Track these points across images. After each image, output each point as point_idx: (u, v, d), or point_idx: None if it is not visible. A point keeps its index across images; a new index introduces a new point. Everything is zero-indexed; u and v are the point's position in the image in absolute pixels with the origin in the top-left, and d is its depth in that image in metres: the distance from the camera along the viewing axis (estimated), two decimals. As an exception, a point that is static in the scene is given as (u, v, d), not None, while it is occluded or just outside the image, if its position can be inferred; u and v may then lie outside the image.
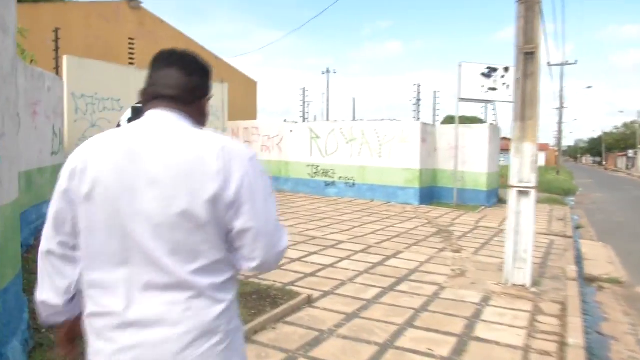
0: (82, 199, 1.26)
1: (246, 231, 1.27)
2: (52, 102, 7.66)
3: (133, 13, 14.98)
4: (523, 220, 5.78)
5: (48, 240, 1.36)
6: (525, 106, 5.79)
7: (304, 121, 17.90)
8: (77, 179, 1.27)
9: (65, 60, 10.41)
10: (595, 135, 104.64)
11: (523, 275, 5.76)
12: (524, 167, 5.76)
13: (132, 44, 15.02)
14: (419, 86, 15.68)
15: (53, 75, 8.06)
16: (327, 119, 27.62)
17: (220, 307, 1.26)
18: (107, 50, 13.70)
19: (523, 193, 5.76)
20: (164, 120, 1.32)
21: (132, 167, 1.24)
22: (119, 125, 13.73)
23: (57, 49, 10.77)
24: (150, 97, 1.37)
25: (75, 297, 1.39)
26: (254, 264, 1.32)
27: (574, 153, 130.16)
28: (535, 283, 5.84)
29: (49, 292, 1.38)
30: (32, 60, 6.87)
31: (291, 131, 16.03)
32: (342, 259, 6.84)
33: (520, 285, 5.74)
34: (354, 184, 14.84)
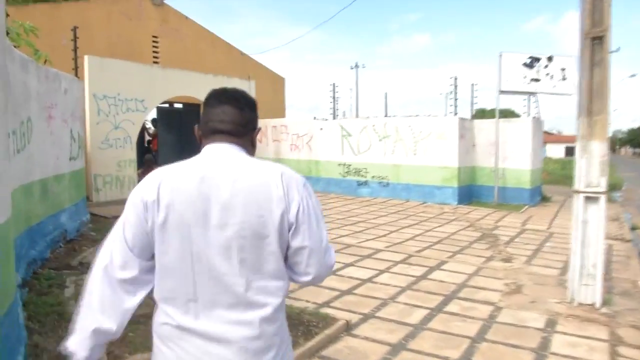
0: (157, 227, 1.36)
1: (302, 249, 1.41)
2: (69, 104, 7.24)
3: (156, 10, 14.55)
4: (591, 231, 5.02)
5: (112, 262, 1.40)
6: (593, 99, 5.01)
7: (334, 118, 17.23)
8: (152, 210, 1.36)
9: (86, 60, 10.06)
10: (636, 125, 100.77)
11: (592, 293, 5.02)
12: (592, 169, 5.00)
13: (156, 42, 14.59)
14: (455, 79, 14.86)
15: (70, 76, 7.65)
16: (357, 115, 26.92)
17: (275, 326, 1.39)
18: (130, 49, 13.32)
19: (591, 199, 5.01)
20: (226, 152, 1.44)
21: (203, 195, 1.34)
22: (143, 127, 13.39)
23: (75, 48, 10.37)
24: (209, 133, 1.49)
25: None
26: (308, 278, 1.47)
27: (612, 144, 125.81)
28: (605, 302, 5.09)
29: (102, 316, 1.38)
30: (46, 61, 6.43)
31: (321, 129, 15.36)
32: (381, 272, 6.20)
33: (589, 305, 5.00)
34: (387, 184, 14.09)
